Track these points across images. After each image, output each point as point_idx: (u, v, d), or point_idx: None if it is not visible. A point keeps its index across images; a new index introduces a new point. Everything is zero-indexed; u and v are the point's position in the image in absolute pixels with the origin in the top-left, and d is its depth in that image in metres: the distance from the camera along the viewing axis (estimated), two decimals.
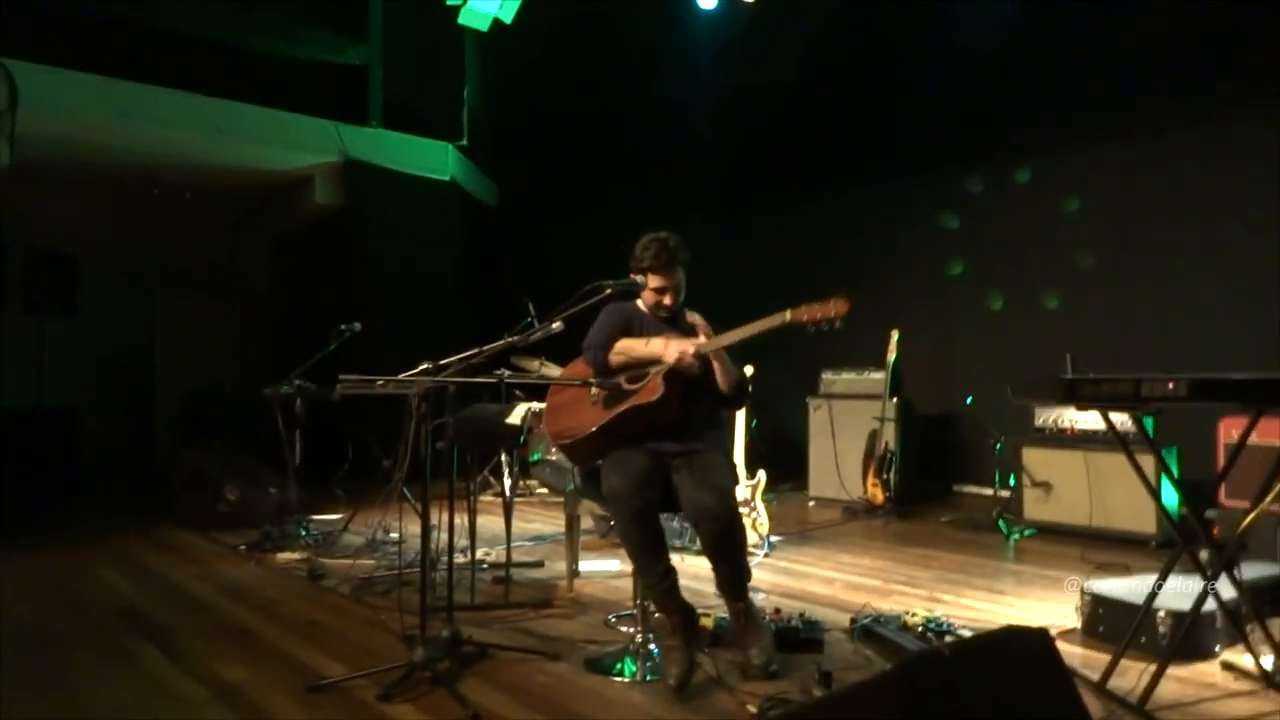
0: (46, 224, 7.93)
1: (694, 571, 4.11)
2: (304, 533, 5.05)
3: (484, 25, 7.72)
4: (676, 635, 2.79)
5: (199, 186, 8.43)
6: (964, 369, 7.24)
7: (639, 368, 3.06)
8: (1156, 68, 6.05)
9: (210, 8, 7.71)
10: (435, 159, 8.73)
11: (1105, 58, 6.31)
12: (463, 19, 7.58)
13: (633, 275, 3.15)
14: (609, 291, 2.92)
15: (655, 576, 2.81)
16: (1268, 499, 2.94)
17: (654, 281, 3.10)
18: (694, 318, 3.21)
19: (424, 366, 3.20)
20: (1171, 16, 5.87)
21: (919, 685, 1.47)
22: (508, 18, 7.64)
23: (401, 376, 3.20)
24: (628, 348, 3.09)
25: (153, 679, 2.88)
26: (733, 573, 2.90)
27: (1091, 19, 6.30)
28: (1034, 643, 1.69)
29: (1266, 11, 5.45)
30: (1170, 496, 4.69)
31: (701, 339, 3.03)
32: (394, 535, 4.78)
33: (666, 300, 3.14)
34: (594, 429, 2.99)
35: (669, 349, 2.96)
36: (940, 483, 7.18)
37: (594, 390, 3.07)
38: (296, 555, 4.70)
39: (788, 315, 2.86)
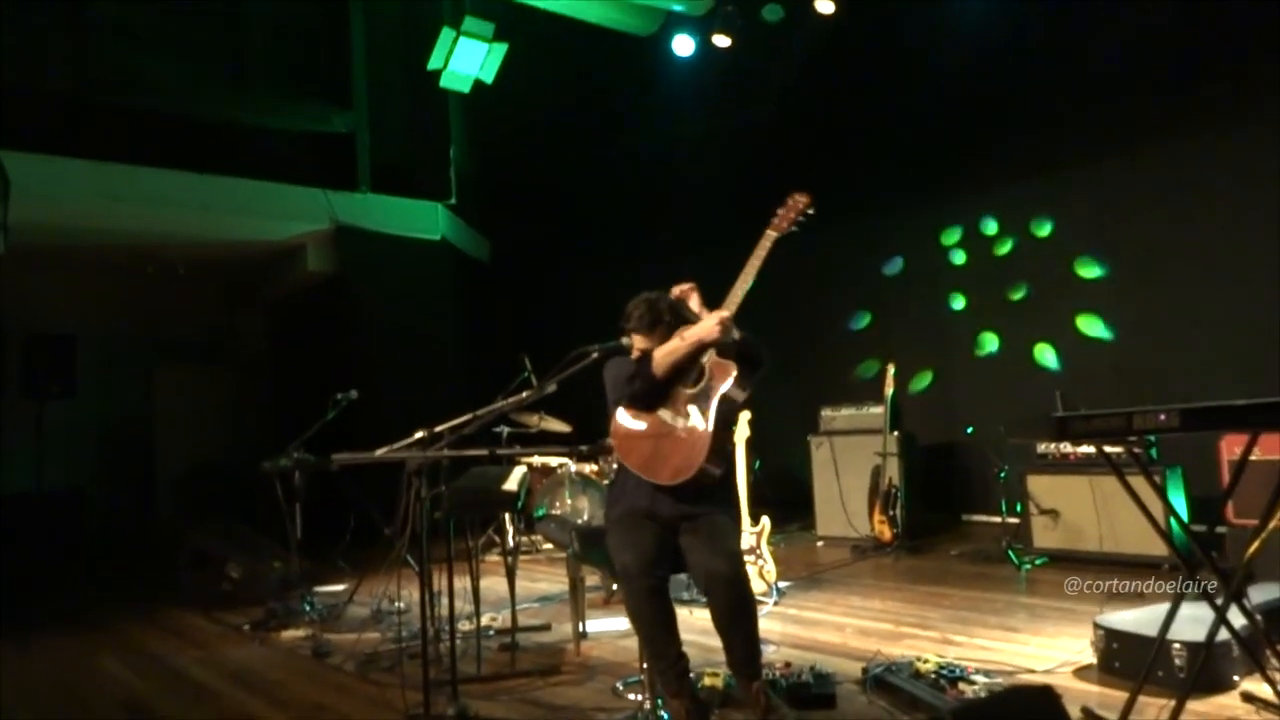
0: (42, 307, 8.01)
1: (702, 626, 4.06)
2: (308, 607, 4.99)
3: (466, 87, 7.85)
4: None
5: (193, 261, 8.51)
6: (963, 398, 7.22)
7: (688, 366, 2.98)
8: (1153, 93, 6.11)
9: (197, 86, 7.84)
10: (425, 219, 8.81)
11: (1102, 85, 6.36)
12: (445, 83, 7.71)
13: (624, 334, 3.15)
14: (595, 356, 2.92)
15: (667, 661, 2.74)
16: (1272, 522, 2.90)
17: (641, 344, 3.07)
18: (688, 295, 3.14)
19: (419, 435, 3.20)
20: (1177, 46, 5.93)
21: None
22: (489, 78, 7.78)
23: (395, 447, 3.19)
24: (668, 352, 2.97)
25: None
26: (748, 645, 2.81)
27: (1092, 51, 6.36)
28: (1039, 700, 1.65)
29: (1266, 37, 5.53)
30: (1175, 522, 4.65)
31: (708, 316, 2.93)
32: (399, 605, 4.74)
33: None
34: (711, 440, 2.88)
35: (705, 328, 2.89)
36: (948, 514, 7.13)
37: (668, 418, 2.96)
38: (301, 632, 4.64)
39: (772, 234, 2.97)
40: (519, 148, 9.77)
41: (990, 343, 7.12)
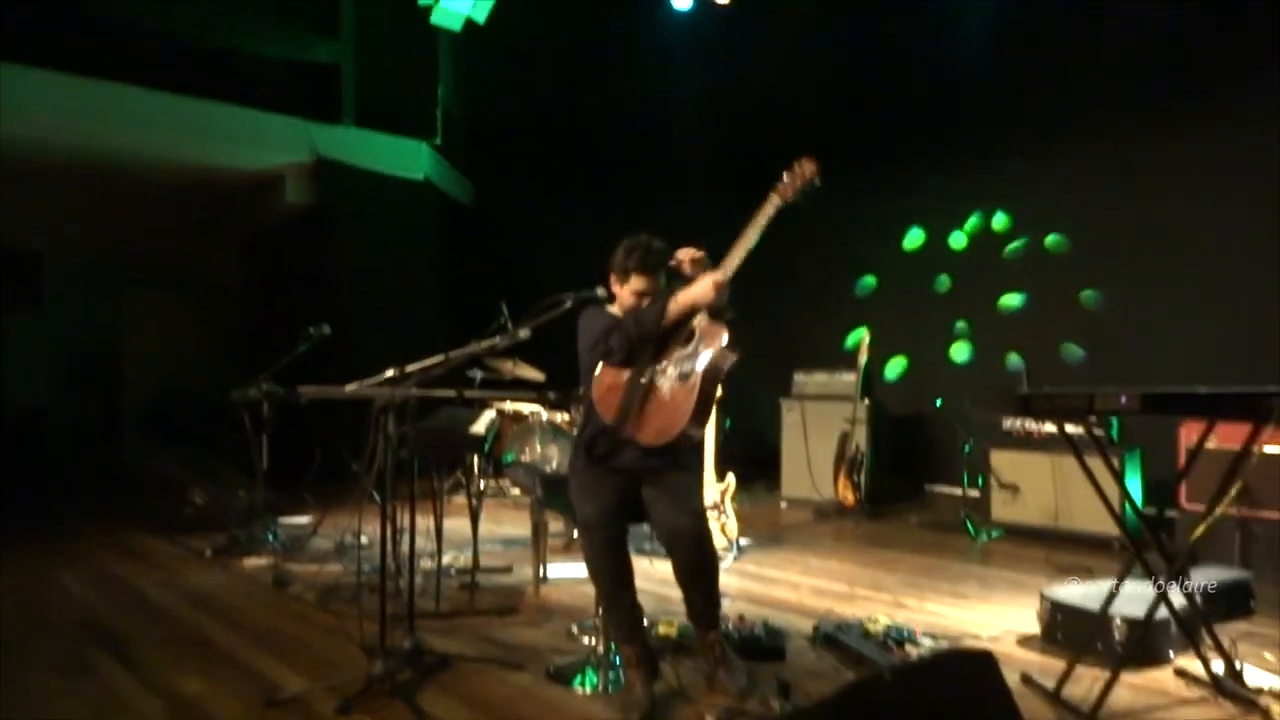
0: (11, 220, 7.83)
1: (660, 576, 4.13)
2: (272, 537, 5.02)
3: (456, 25, 7.69)
4: (640, 669, 2.75)
5: (168, 185, 8.35)
6: (934, 370, 7.29)
7: (678, 327, 2.92)
8: (1140, 75, 6.08)
9: (178, 5, 7.61)
10: (408, 157, 8.68)
11: (1089, 63, 6.31)
12: (435, 19, 7.54)
13: (614, 277, 3.12)
14: (568, 304, 2.91)
15: (621, 612, 2.79)
16: (1218, 508, 2.98)
17: (637, 284, 3.03)
18: (689, 253, 3.07)
19: (389, 373, 3.20)
20: (1163, 24, 5.86)
21: (859, 711, 1.49)
22: (480, 17, 7.62)
23: (364, 385, 3.19)
24: (658, 312, 2.92)
25: (110, 693, 2.86)
26: (708, 600, 2.88)
27: (1084, 24, 6.28)
28: (976, 664, 1.70)
29: (1253, 23, 5.50)
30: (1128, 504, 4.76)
31: (711, 277, 2.86)
32: (364, 540, 4.77)
33: (646, 304, 3.11)
34: (696, 402, 2.81)
35: (700, 290, 2.84)
36: (912, 482, 7.24)
37: (654, 379, 2.89)
38: (263, 561, 4.67)
39: (776, 199, 2.90)
40: (508, 91, 9.61)
41: (961, 322, 7.15)
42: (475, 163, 9.96)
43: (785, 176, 2.94)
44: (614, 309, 3.18)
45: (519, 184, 9.66)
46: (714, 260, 2.99)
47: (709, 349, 2.87)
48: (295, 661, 3.14)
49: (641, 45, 8.55)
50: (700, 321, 2.91)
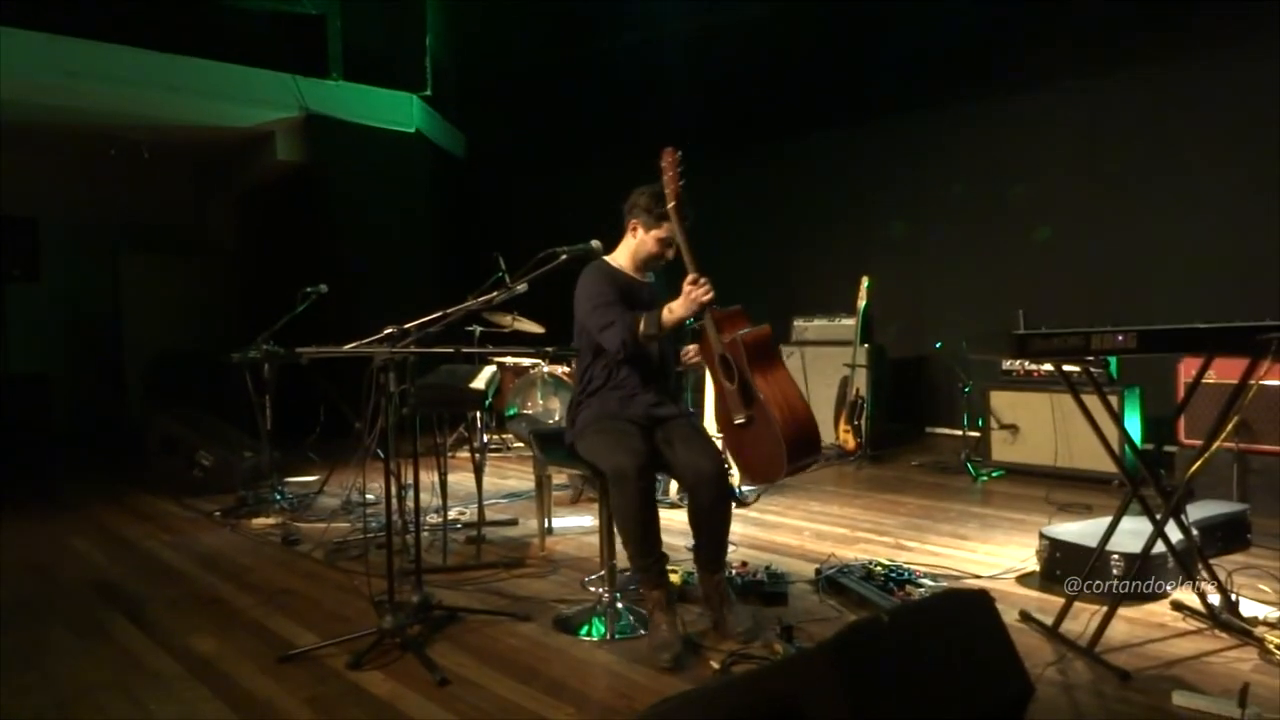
0: (2, 186, 7.75)
1: (663, 524, 4.17)
2: (279, 496, 5.07)
3: None
4: (666, 613, 2.79)
5: (158, 145, 8.24)
6: (934, 313, 7.27)
7: (726, 367, 2.90)
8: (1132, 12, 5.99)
9: None
10: (399, 110, 8.56)
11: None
12: None
13: (635, 223, 3.10)
14: (564, 258, 2.89)
15: (652, 558, 2.82)
16: (1215, 443, 3.01)
17: (664, 232, 3.02)
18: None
19: (388, 331, 3.19)
20: None
21: (857, 653, 1.51)
22: None
23: (362, 343, 3.18)
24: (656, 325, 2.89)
25: (125, 654, 2.91)
26: (719, 543, 2.94)
27: None
28: (972, 604, 1.73)
29: None
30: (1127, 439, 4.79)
31: (685, 286, 2.84)
32: (370, 497, 4.82)
33: (670, 254, 3.08)
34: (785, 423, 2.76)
35: (682, 301, 2.81)
36: (913, 425, 7.28)
37: (736, 419, 2.89)
38: (271, 520, 4.72)
39: (670, 203, 2.86)
40: (499, 41, 9.43)
41: (959, 265, 7.11)
42: (467, 115, 9.82)
43: (662, 181, 2.87)
44: (615, 257, 3.16)
45: (512, 135, 9.54)
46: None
47: (743, 353, 2.82)
48: (306, 618, 3.19)
49: None
50: (726, 345, 2.86)
